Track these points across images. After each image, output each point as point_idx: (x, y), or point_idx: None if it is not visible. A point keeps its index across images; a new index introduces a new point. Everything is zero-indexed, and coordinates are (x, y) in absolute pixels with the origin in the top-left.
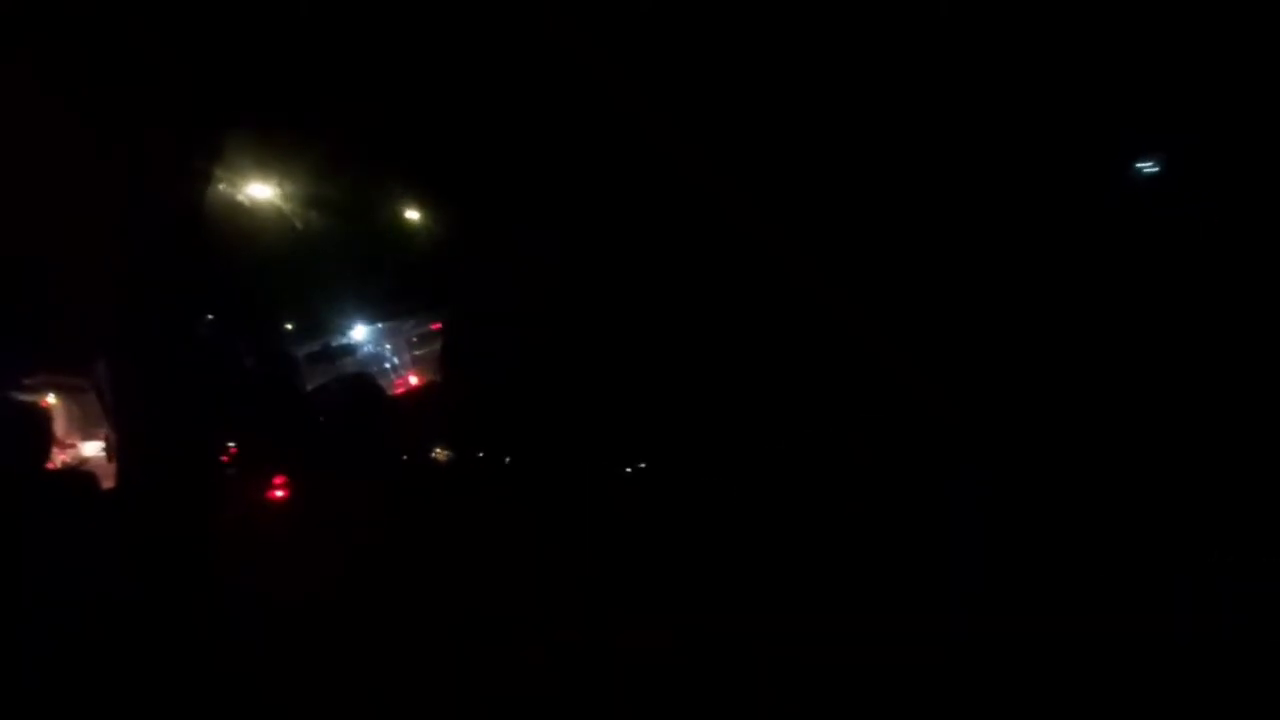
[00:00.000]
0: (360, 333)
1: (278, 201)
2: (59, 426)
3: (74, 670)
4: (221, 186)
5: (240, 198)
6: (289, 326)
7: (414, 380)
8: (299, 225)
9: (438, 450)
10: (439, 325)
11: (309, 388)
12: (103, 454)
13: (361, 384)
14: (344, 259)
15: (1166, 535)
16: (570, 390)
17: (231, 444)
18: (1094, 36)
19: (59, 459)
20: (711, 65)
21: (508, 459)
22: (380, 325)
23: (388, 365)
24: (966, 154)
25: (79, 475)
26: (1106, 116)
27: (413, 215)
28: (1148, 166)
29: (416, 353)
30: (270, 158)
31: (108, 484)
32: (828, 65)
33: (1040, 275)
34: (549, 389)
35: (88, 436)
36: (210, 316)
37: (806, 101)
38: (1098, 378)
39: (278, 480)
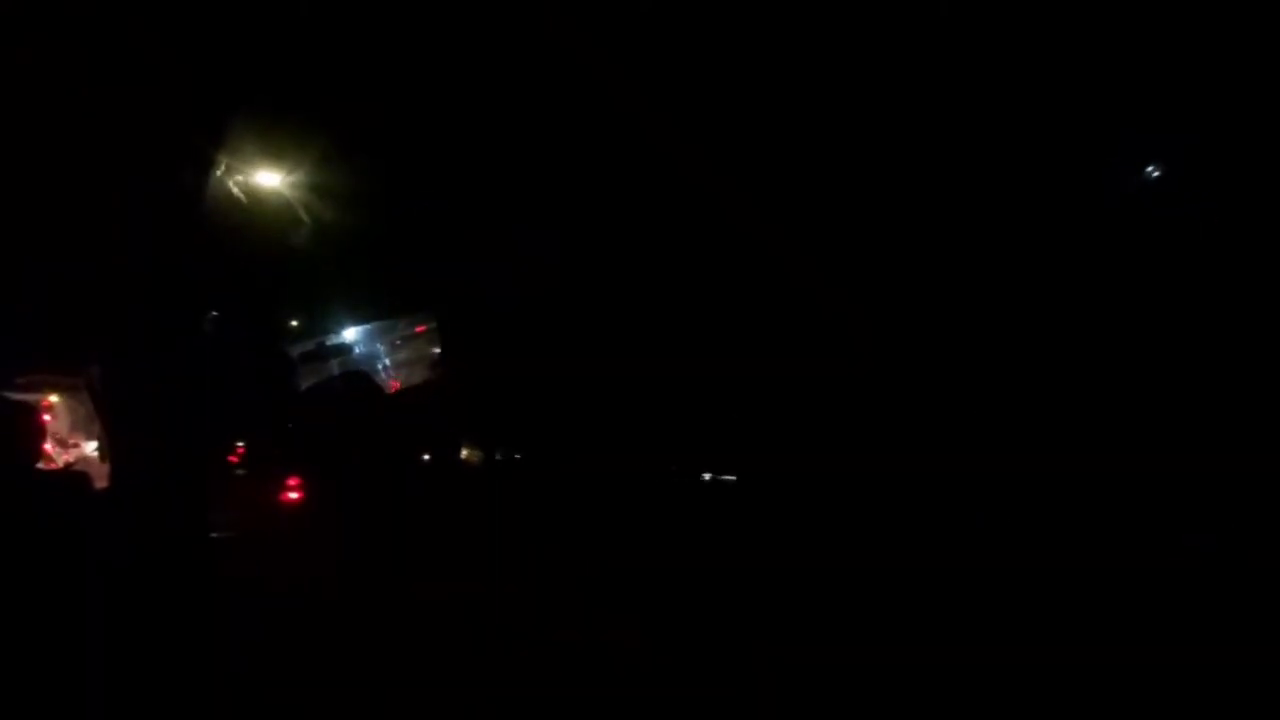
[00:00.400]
0: (350, 333)
1: (282, 194)
2: (62, 426)
3: (69, 668)
4: (221, 174)
5: (239, 195)
6: (294, 323)
7: (395, 383)
8: (305, 218)
9: (466, 451)
10: (423, 328)
11: (304, 386)
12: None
13: (364, 382)
14: (339, 258)
15: (1163, 534)
16: (573, 391)
17: (239, 443)
18: (1094, 38)
19: (63, 458)
20: (711, 66)
21: (528, 459)
22: (369, 326)
23: (380, 365)
24: (967, 156)
25: (72, 475)
26: (1106, 117)
27: (406, 215)
28: (1148, 167)
29: (399, 356)
30: (272, 152)
31: (101, 484)
32: (827, 66)
33: (1040, 276)
34: (551, 390)
35: (91, 436)
36: (215, 313)
37: (806, 103)
38: (1097, 376)
39: (292, 481)
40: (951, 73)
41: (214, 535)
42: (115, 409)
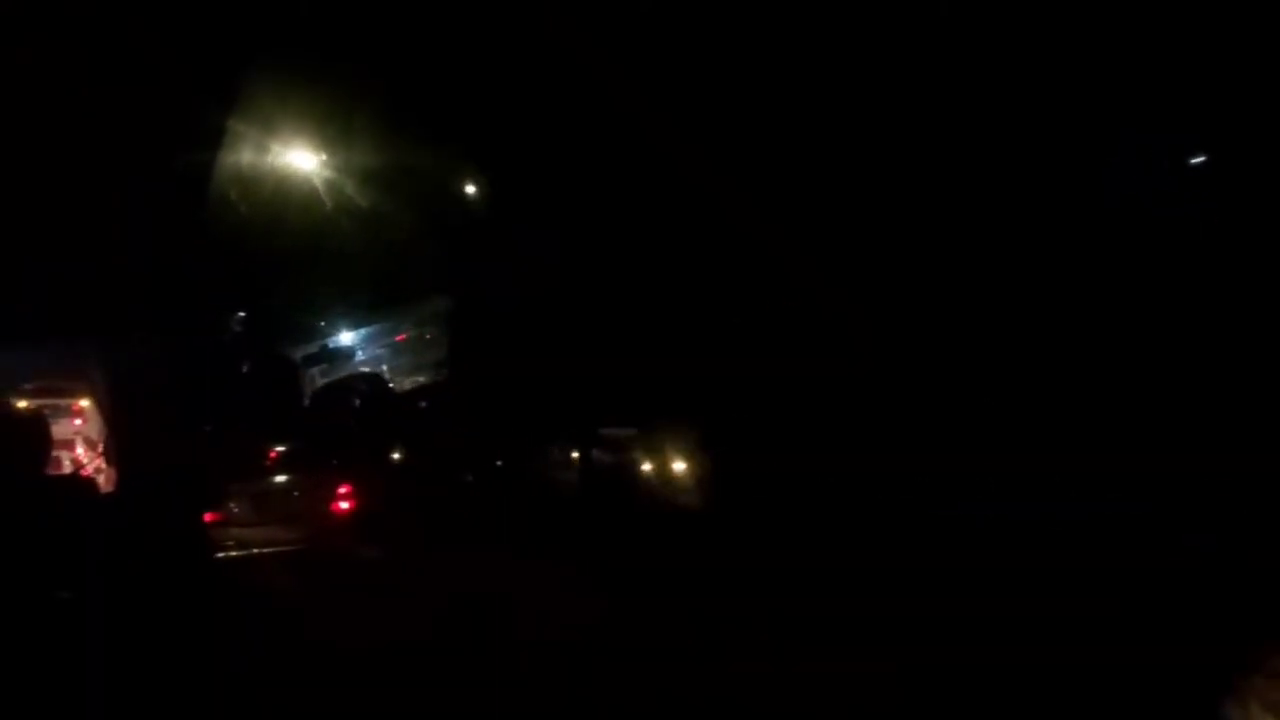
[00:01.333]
0: (348, 336)
1: (285, 191)
2: (93, 429)
3: (69, 669)
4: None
5: (240, 203)
6: (322, 323)
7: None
8: (328, 204)
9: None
10: (403, 336)
11: (312, 387)
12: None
13: (379, 384)
14: (341, 259)
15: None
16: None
17: (276, 447)
18: (1095, 39)
19: (93, 461)
20: (711, 66)
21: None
22: (368, 329)
23: (384, 368)
24: (967, 156)
25: (78, 479)
26: (1107, 117)
27: (406, 218)
28: (1152, 165)
29: (402, 360)
30: (284, 134)
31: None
32: (827, 66)
33: (1040, 275)
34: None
35: None
36: (242, 314)
37: (807, 103)
38: (1098, 376)
39: (343, 489)
40: (952, 73)
41: (257, 550)
42: (117, 411)
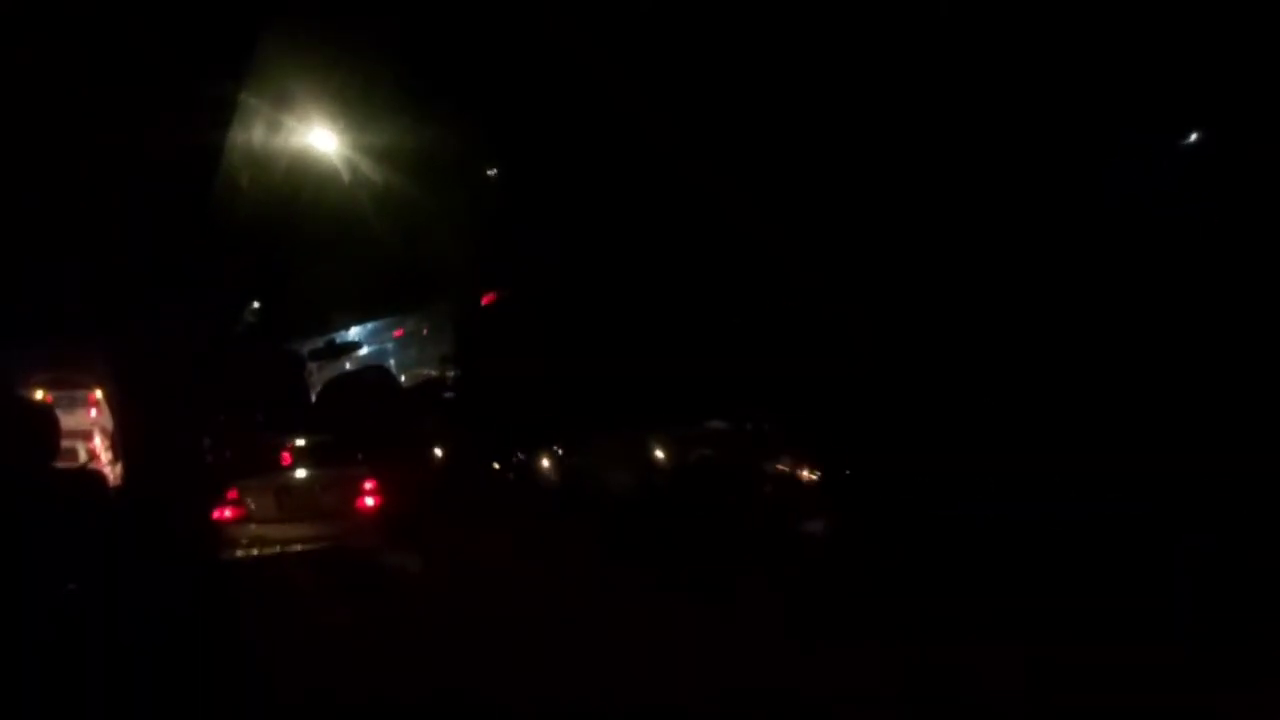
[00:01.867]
0: (354, 331)
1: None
2: (109, 419)
3: (75, 666)
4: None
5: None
6: (342, 319)
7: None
8: (346, 178)
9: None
10: (400, 332)
11: (311, 381)
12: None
13: (387, 377)
14: (352, 251)
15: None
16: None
17: (296, 441)
18: (1095, 39)
19: (107, 453)
20: (711, 66)
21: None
22: (372, 325)
23: (391, 362)
24: (967, 156)
25: (85, 474)
26: (1107, 117)
27: (422, 209)
28: (1152, 165)
29: (408, 354)
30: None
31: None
32: (827, 67)
33: (1040, 275)
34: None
35: None
36: (256, 304)
37: (807, 103)
38: (1097, 376)
39: (369, 484)
40: (952, 74)
41: (280, 549)
42: (124, 407)
